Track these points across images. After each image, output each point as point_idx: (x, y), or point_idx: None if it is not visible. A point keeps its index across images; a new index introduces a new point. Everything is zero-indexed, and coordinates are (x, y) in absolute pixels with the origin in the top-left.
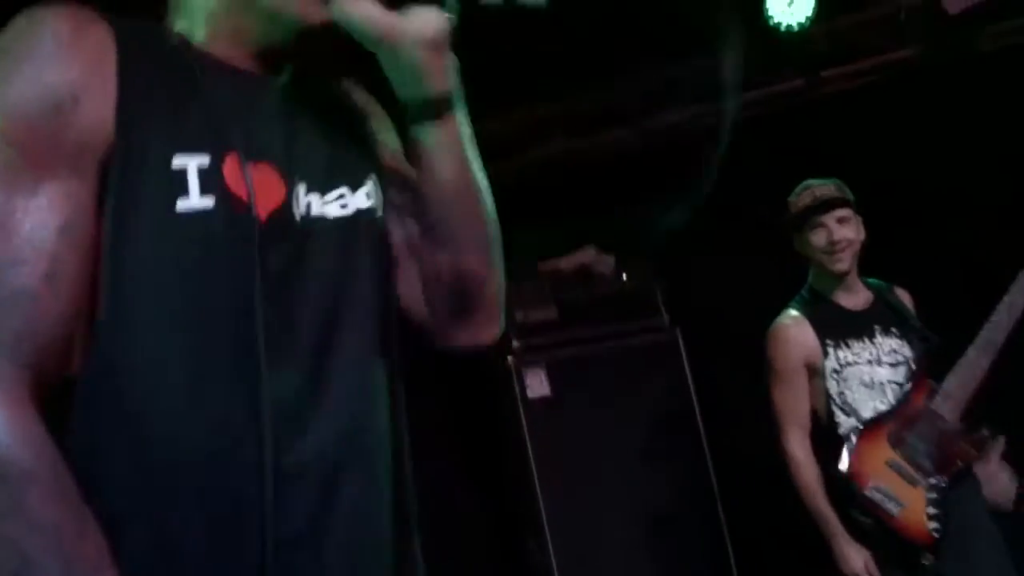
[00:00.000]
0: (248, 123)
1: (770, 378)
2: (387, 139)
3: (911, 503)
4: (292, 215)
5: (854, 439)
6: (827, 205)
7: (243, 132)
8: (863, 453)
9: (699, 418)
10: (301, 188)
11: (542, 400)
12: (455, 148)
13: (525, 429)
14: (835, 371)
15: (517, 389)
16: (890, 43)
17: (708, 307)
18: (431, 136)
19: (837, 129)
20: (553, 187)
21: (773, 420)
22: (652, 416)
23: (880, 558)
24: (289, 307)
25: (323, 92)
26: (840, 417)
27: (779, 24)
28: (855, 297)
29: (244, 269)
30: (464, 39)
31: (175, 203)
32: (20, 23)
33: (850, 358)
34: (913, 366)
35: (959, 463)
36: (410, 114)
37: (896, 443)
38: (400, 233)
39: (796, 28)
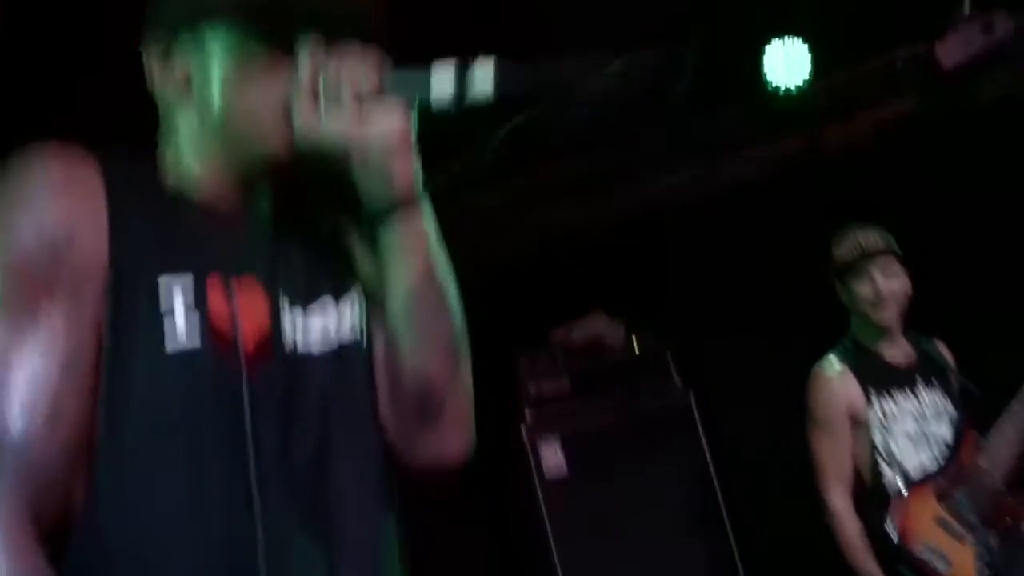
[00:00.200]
0: (230, 243)
1: (810, 427)
2: (364, 256)
3: (960, 561)
4: (280, 343)
5: (902, 493)
6: (872, 255)
7: (225, 251)
8: (911, 509)
9: (715, 481)
10: (285, 302)
11: (557, 472)
12: (421, 247)
13: (541, 502)
14: (879, 422)
15: (532, 462)
16: (887, 97)
17: (720, 369)
18: (397, 236)
19: (840, 186)
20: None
21: (813, 471)
22: (669, 482)
23: None
24: (283, 440)
25: (302, 213)
26: (885, 470)
27: (778, 88)
28: (898, 349)
29: (233, 406)
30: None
31: (164, 344)
32: (16, 169)
33: (894, 410)
34: (958, 421)
35: (1008, 519)
36: (377, 215)
37: (944, 499)
38: (378, 347)
39: (795, 91)
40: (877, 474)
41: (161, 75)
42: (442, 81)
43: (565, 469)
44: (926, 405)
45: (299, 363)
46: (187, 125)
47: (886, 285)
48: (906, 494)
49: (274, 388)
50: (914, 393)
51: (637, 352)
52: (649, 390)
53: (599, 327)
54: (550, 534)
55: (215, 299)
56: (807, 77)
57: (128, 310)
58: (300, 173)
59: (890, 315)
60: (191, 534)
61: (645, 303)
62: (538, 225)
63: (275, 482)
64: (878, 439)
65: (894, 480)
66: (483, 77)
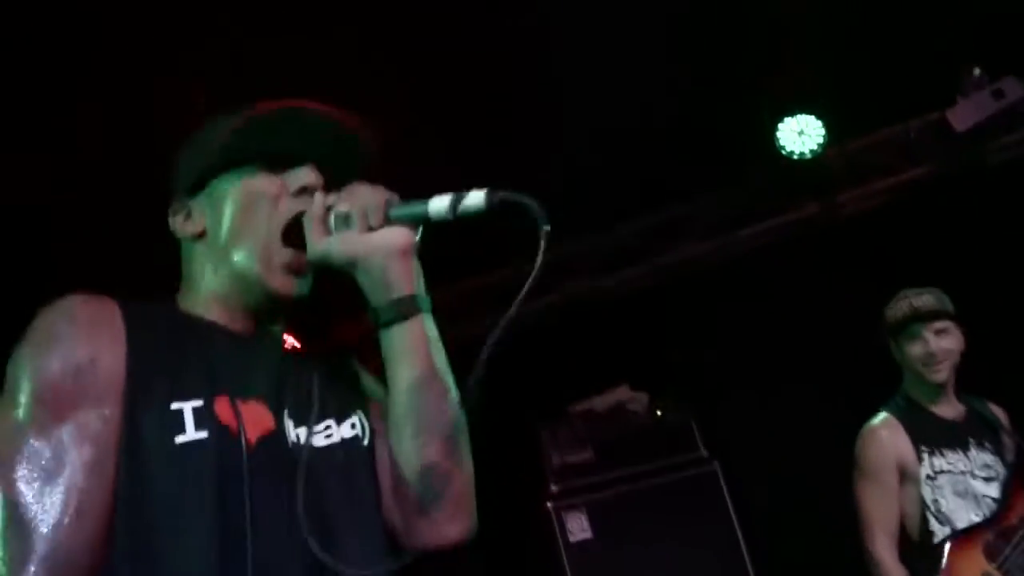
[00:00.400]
0: (238, 371)
1: (858, 479)
2: (369, 385)
3: None
4: (283, 440)
5: (949, 548)
6: (925, 317)
7: (233, 378)
8: (958, 564)
9: (744, 549)
10: (289, 423)
11: (584, 544)
12: (421, 347)
13: (567, 567)
14: (929, 478)
15: (558, 533)
16: (902, 163)
17: (744, 437)
18: (399, 337)
19: (857, 251)
20: (580, 327)
21: (860, 523)
22: (697, 552)
23: None
24: (286, 521)
25: (309, 347)
26: (935, 526)
27: (792, 153)
28: (950, 408)
29: (235, 490)
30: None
31: (174, 438)
32: (47, 312)
33: (945, 466)
34: (1006, 479)
35: None
36: (380, 318)
37: (991, 555)
38: (381, 446)
39: (809, 155)
40: (926, 531)
41: (183, 228)
42: (440, 202)
43: (591, 537)
44: (976, 465)
45: (301, 452)
46: (203, 265)
47: (938, 344)
48: (949, 550)
49: (275, 469)
50: (965, 452)
51: (660, 418)
52: (675, 459)
53: (623, 396)
54: None
55: (222, 409)
56: (820, 142)
57: (140, 421)
58: (304, 308)
59: (943, 374)
60: None
61: (668, 373)
62: (562, 296)
63: (275, 558)
64: (927, 495)
65: (943, 536)
66: (476, 196)
